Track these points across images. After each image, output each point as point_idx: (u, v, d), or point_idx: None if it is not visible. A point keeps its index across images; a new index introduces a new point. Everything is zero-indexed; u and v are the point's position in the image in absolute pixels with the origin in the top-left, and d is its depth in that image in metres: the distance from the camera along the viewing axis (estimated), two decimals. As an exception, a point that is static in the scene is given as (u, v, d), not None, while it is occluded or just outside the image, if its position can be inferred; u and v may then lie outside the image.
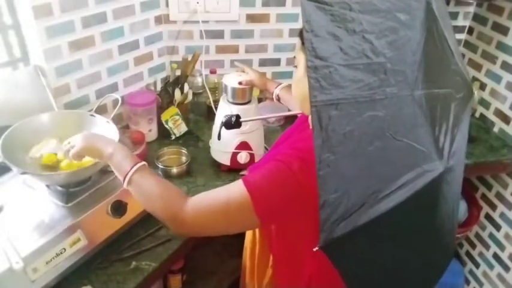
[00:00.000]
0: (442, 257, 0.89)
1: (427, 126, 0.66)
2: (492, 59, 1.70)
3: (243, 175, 1.32)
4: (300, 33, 0.82)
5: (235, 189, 0.79)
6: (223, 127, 1.09)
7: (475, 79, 1.80)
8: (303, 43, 0.80)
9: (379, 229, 0.66)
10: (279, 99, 1.34)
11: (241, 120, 1.09)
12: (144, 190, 0.85)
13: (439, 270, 0.92)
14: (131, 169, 0.84)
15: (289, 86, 1.33)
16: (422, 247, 0.77)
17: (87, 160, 1.03)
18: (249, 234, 1.13)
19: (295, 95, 0.89)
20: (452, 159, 0.71)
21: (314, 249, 0.61)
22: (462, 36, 1.87)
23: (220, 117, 1.35)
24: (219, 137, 1.13)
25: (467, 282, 1.95)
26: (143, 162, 0.86)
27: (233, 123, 1.08)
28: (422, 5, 0.70)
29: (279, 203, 0.78)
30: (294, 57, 0.88)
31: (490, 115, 1.74)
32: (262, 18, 1.70)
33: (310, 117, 0.86)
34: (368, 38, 0.64)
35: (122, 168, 0.85)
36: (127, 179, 0.84)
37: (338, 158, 0.61)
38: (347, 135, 0.61)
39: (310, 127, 0.85)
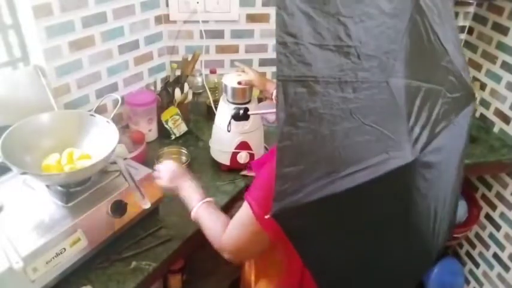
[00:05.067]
0: (418, 260, 0.86)
1: (401, 115, 0.64)
2: (492, 59, 1.70)
3: (244, 175, 1.33)
4: None
5: (244, 212, 0.87)
6: (232, 119, 1.16)
7: (475, 79, 1.80)
8: None
9: (337, 209, 0.65)
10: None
11: (249, 113, 1.13)
12: (202, 224, 0.98)
13: (414, 272, 0.89)
14: (195, 207, 0.99)
15: None
16: (392, 240, 0.75)
17: (87, 160, 1.03)
18: None
19: None
20: (434, 156, 0.69)
21: (266, 217, 0.61)
22: (462, 36, 1.87)
23: (220, 117, 1.35)
24: (228, 129, 1.19)
25: (467, 282, 1.95)
26: (208, 199, 1.00)
27: (241, 115, 1.13)
28: None
29: None
30: None
31: (490, 115, 1.74)
32: (262, 18, 1.70)
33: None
34: (343, 21, 0.63)
35: (190, 204, 1.01)
36: (192, 214, 1.00)
37: (300, 133, 0.61)
38: (312, 112, 0.61)
39: None
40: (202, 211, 0.98)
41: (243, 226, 0.88)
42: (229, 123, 1.19)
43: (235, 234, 0.89)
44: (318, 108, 0.61)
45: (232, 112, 1.15)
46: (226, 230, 0.91)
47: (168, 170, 1.07)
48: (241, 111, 1.13)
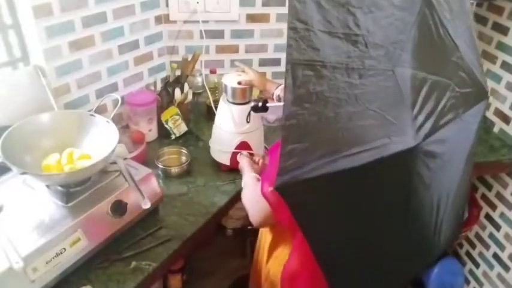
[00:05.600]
0: (417, 254, 0.88)
1: (405, 102, 0.66)
2: (492, 59, 1.70)
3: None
4: None
5: (256, 189, 0.97)
6: (251, 111, 1.22)
7: (475, 79, 1.80)
8: None
9: (337, 188, 0.67)
10: (279, 100, 1.34)
11: (268, 104, 1.18)
12: (243, 190, 1.15)
13: (411, 265, 0.91)
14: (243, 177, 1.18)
15: None
16: (391, 227, 0.76)
17: (87, 160, 1.03)
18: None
19: None
20: (438, 146, 0.70)
21: (269, 189, 0.64)
22: (462, 36, 1.86)
23: (220, 117, 1.35)
24: (248, 120, 1.27)
25: (467, 282, 1.95)
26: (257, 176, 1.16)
27: (260, 107, 1.18)
28: None
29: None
30: None
31: (490, 115, 1.74)
32: (262, 18, 1.70)
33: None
34: (353, 11, 0.66)
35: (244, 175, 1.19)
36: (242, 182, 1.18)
37: (305, 114, 0.64)
38: (318, 94, 0.64)
39: None
40: (247, 180, 1.15)
41: (253, 201, 1.03)
42: (249, 114, 1.25)
43: (249, 207, 1.06)
44: (324, 92, 0.64)
45: (252, 104, 1.19)
46: (249, 200, 1.07)
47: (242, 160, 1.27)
48: (260, 103, 1.17)
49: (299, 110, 0.64)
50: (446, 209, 0.83)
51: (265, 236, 1.20)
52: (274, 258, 1.12)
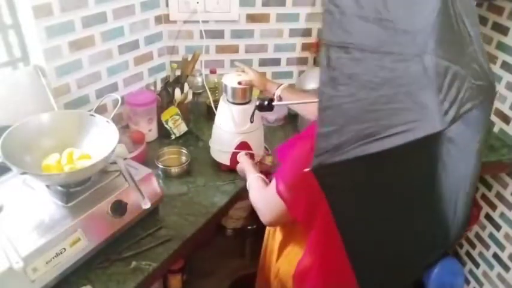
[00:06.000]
0: (435, 241, 0.89)
1: (432, 87, 0.68)
2: (492, 59, 1.70)
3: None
4: None
5: (271, 189, 0.98)
6: (256, 110, 1.22)
7: (475, 79, 1.80)
8: None
9: (368, 170, 0.68)
10: (280, 100, 1.34)
11: (273, 103, 1.19)
12: (250, 190, 1.16)
13: (428, 254, 0.92)
14: (248, 178, 1.18)
15: (290, 87, 1.33)
16: (415, 212, 0.78)
17: (87, 160, 1.03)
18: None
19: None
20: (458, 135, 0.72)
21: (305, 170, 0.65)
22: (462, 36, 1.86)
23: (220, 117, 1.35)
24: (251, 120, 1.26)
25: (467, 282, 1.95)
26: (260, 175, 1.18)
27: (265, 105, 1.18)
28: None
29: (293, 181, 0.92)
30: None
31: (490, 115, 1.74)
32: (262, 18, 1.70)
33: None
34: None
35: (247, 175, 1.20)
36: (247, 185, 1.18)
37: (340, 96, 0.65)
38: (352, 77, 0.66)
39: None
40: (252, 181, 1.16)
41: (265, 200, 1.04)
42: (253, 114, 1.24)
43: (261, 206, 1.06)
44: (357, 74, 0.66)
45: (257, 102, 1.19)
46: (260, 199, 1.08)
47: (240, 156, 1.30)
48: (266, 102, 1.18)
49: (333, 92, 0.65)
50: (462, 203, 0.85)
51: (272, 236, 1.20)
52: (285, 257, 1.13)
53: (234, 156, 1.33)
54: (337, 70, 0.66)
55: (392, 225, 0.78)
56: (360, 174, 0.69)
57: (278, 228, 1.16)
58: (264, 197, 1.06)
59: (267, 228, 1.26)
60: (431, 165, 0.71)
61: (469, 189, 0.89)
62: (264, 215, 1.05)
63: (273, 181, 0.99)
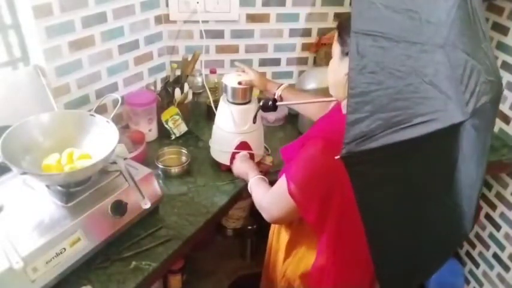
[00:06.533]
0: (450, 236, 0.90)
1: (455, 78, 0.69)
2: (492, 59, 1.70)
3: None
4: (337, 26, 0.95)
5: (281, 187, 0.99)
6: (259, 110, 1.22)
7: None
8: (339, 35, 0.93)
9: (395, 159, 0.68)
10: (281, 100, 1.34)
11: (277, 103, 1.20)
12: (252, 192, 1.18)
13: (449, 245, 0.94)
14: (250, 179, 1.20)
15: (290, 87, 1.33)
16: (434, 202, 0.78)
17: (87, 160, 1.03)
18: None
19: (330, 82, 1.00)
20: (473, 127, 0.72)
21: (336, 157, 0.65)
22: (462, 36, 1.86)
23: (220, 117, 1.35)
24: (254, 120, 1.26)
25: (467, 282, 1.95)
26: (261, 176, 1.20)
27: (269, 105, 1.19)
28: None
29: (307, 184, 0.94)
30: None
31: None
32: (262, 18, 1.70)
33: (342, 104, 0.96)
34: None
35: (247, 177, 1.22)
36: (248, 186, 1.20)
37: (369, 83, 0.66)
38: (380, 65, 0.67)
39: (343, 112, 0.93)
40: (255, 182, 1.18)
41: (273, 199, 1.05)
42: (256, 113, 1.24)
43: (267, 203, 1.07)
44: (385, 62, 0.67)
45: (261, 103, 1.20)
46: (266, 197, 1.08)
47: (237, 161, 1.31)
48: (270, 102, 1.19)
49: (362, 79, 0.66)
50: (472, 199, 0.86)
51: (277, 236, 1.20)
52: (292, 257, 1.13)
53: (234, 156, 1.33)
54: (366, 58, 0.67)
55: (415, 217, 0.78)
56: (388, 163, 0.69)
57: (283, 228, 1.16)
58: (271, 194, 1.06)
59: (271, 228, 1.26)
60: (452, 157, 0.72)
61: (480, 186, 0.90)
62: (271, 212, 1.05)
63: (282, 179, 0.99)
